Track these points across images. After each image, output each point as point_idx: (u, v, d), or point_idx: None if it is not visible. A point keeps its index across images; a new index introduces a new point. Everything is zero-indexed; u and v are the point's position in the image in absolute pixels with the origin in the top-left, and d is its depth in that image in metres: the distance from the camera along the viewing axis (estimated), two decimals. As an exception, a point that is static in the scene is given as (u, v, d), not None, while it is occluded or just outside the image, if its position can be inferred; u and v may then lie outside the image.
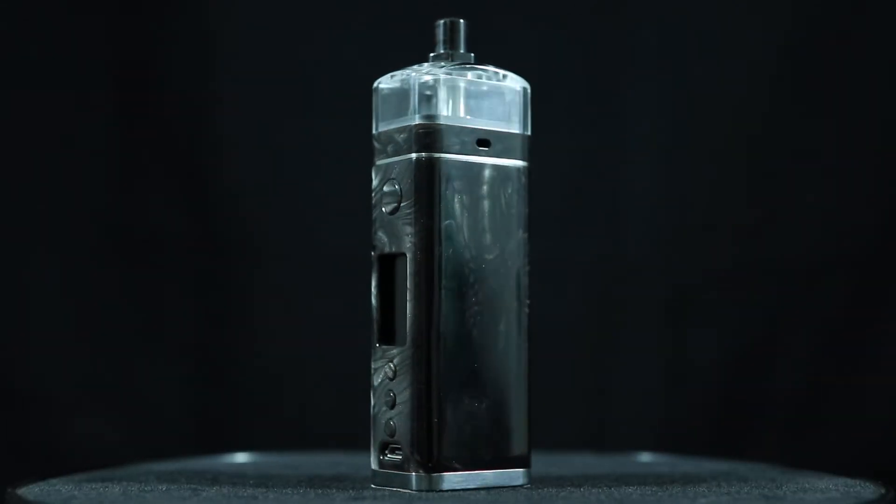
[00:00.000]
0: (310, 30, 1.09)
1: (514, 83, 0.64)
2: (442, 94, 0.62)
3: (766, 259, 1.09)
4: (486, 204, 0.62)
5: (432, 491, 0.61)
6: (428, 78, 0.62)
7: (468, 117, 0.62)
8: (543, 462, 0.77)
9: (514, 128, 0.63)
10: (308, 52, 1.09)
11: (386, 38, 1.07)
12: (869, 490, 0.63)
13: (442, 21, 0.64)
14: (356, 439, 0.86)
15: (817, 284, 1.08)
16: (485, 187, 0.62)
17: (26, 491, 0.62)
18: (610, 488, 0.64)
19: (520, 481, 0.63)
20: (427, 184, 0.61)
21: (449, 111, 0.62)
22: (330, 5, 1.10)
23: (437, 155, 0.61)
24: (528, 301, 0.63)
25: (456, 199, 0.62)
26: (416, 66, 0.63)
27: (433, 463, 0.61)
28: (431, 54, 0.64)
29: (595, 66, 1.10)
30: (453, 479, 0.61)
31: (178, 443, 1.08)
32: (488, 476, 0.62)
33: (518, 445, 0.63)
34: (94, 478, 0.68)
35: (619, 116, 1.10)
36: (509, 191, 0.63)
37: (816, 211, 1.09)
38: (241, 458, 0.84)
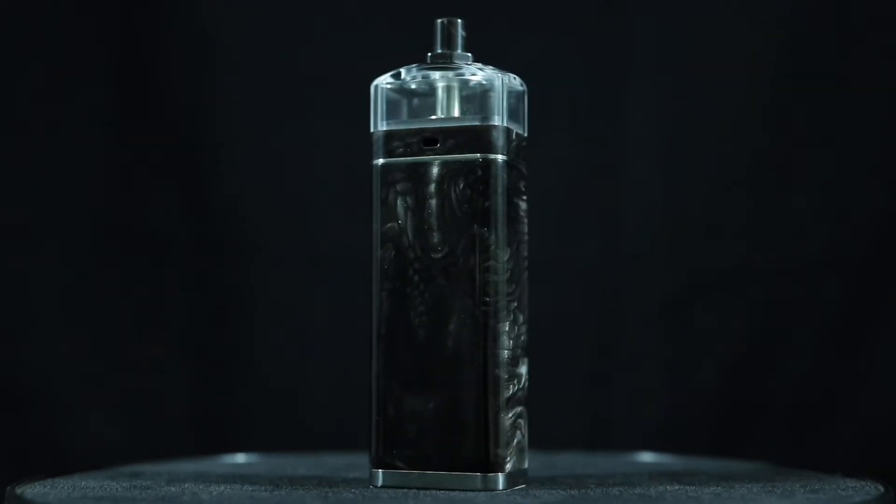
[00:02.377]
0: (309, 29, 1.09)
1: (478, 77, 0.63)
2: (390, 99, 0.64)
3: (765, 259, 1.09)
4: (433, 203, 0.62)
5: (375, 487, 0.62)
6: (380, 84, 0.64)
7: (415, 119, 0.63)
8: (541, 462, 0.77)
9: (471, 121, 0.62)
10: (307, 52, 1.09)
11: (387, 37, 1.07)
12: (869, 490, 0.63)
13: (439, 21, 0.64)
14: (357, 440, 0.86)
15: (817, 284, 1.08)
16: (432, 186, 0.62)
17: (27, 490, 0.62)
18: (609, 489, 0.64)
19: (478, 485, 0.61)
20: (372, 190, 0.63)
21: (395, 115, 0.64)
22: (330, 5, 1.10)
23: (381, 161, 0.63)
24: (487, 298, 0.61)
25: (399, 202, 0.62)
26: (395, 71, 0.64)
27: (375, 460, 0.63)
28: (430, 55, 0.64)
29: (595, 66, 1.10)
30: (396, 477, 0.62)
31: (178, 443, 1.08)
32: (436, 477, 0.61)
33: (476, 448, 0.61)
34: (94, 477, 0.68)
35: (619, 116, 1.10)
36: (461, 186, 0.62)
37: (816, 211, 1.09)
38: (241, 458, 0.84)
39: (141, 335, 1.09)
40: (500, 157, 0.62)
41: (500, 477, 0.61)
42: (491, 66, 0.63)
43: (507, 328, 0.61)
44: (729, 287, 1.09)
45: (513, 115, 0.63)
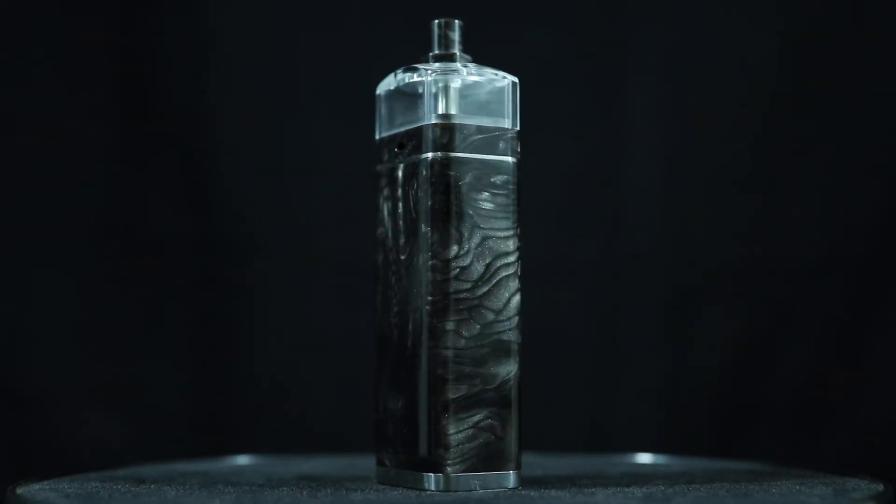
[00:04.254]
0: (310, 30, 1.09)
1: (422, 76, 0.63)
2: (386, 105, 0.66)
3: (766, 259, 1.09)
4: (400, 206, 0.63)
5: (377, 482, 0.65)
6: (381, 92, 0.66)
7: (391, 125, 0.65)
8: (542, 463, 0.77)
9: (423, 121, 0.63)
10: (307, 53, 1.09)
11: (387, 38, 1.07)
12: (869, 489, 0.63)
13: (436, 21, 0.64)
14: (357, 440, 0.86)
15: (817, 284, 1.08)
16: (399, 190, 0.63)
17: (27, 491, 0.62)
18: (607, 489, 0.64)
19: (423, 485, 0.61)
20: (374, 197, 0.65)
21: (389, 121, 0.65)
22: (331, 6, 1.10)
23: (377, 168, 0.65)
24: (430, 297, 0.61)
25: (386, 208, 0.64)
26: (389, 75, 0.65)
27: (378, 457, 0.65)
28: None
29: (595, 66, 1.10)
30: (384, 474, 0.65)
31: (178, 444, 1.08)
32: (402, 476, 0.63)
33: (423, 449, 0.61)
34: (94, 478, 0.68)
35: (620, 116, 1.10)
36: (415, 187, 0.62)
37: (817, 211, 1.09)
38: (241, 460, 0.84)
39: (141, 335, 1.09)
40: (441, 155, 0.62)
41: (441, 478, 0.61)
42: (474, 65, 0.63)
43: (453, 327, 0.61)
44: (729, 287, 1.09)
45: (484, 109, 0.63)
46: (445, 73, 0.63)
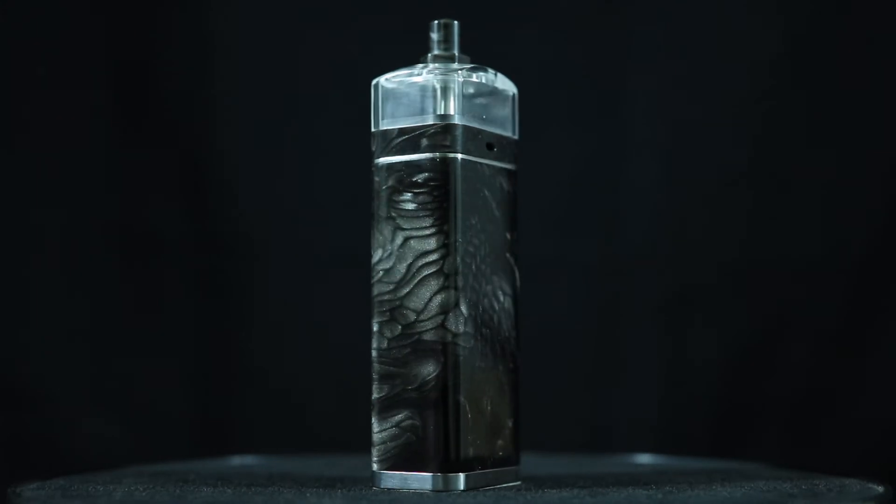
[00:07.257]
0: (309, 29, 1.09)
1: (376, 82, 0.64)
2: None
3: (766, 259, 1.09)
4: None
5: None
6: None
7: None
8: (542, 463, 0.77)
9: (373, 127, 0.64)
10: (307, 52, 1.09)
11: (388, 38, 1.07)
12: (869, 490, 0.63)
13: (435, 22, 0.64)
14: (358, 441, 0.86)
15: (817, 284, 1.08)
16: None
17: (27, 491, 0.62)
18: (607, 489, 0.64)
19: (373, 484, 0.62)
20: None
21: None
22: (331, 5, 1.10)
23: None
24: (370, 301, 0.63)
25: None
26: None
27: None
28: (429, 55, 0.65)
29: (595, 66, 1.10)
30: None
31: (178, 444, 1.08)
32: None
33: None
34: (94, 479, 0.68)
35: (619, 116, 1.10)
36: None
37: (816, 211, 1.09)
38: (241, 460, 0.84)
39: (140, 335, 1.09)
40: (373, 162, 0.63)
41: (378, 476, 0.62)
42: (435, 65, 0.63)
43: (377, 328, 0.62)
44: (728, 287, 1.09)
45: (418, 108, 0.62)
46: (387, 79, 0.63)
